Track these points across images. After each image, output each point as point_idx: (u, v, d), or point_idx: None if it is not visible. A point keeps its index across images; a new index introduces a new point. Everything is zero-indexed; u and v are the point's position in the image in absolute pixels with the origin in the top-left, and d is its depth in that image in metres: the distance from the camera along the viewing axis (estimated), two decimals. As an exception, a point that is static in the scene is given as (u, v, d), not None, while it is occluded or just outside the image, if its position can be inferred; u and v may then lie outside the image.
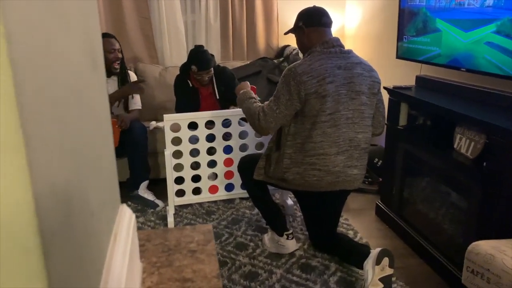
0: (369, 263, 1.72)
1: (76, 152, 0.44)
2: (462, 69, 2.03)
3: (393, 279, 1.80)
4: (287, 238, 2.04)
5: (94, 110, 0.54)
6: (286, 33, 2.04)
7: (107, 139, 0.61)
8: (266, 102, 1.84)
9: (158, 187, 2.73)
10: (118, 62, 2.60)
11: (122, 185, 2.96)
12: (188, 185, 2.40)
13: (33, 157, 0.34)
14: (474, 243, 1.46)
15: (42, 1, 0.39)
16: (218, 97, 2.73)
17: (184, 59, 3.34)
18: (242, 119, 2.38)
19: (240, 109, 2.34)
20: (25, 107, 0.33)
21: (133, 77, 2.77)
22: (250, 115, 1.88)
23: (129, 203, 2.65)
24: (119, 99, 2.59)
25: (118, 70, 2.62)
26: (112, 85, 2.66)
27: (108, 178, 0.60)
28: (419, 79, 2.40)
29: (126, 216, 0.65)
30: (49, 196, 0.36)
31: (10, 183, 0.31)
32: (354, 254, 1.85)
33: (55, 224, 0.36)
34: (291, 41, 2.62)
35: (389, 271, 1.69)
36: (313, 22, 1.84)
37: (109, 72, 2.62)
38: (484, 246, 1.42)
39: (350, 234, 2.28)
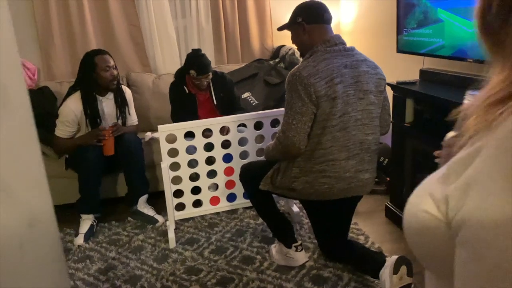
0: (385, 272, 1.62)
1: None
2: (468, 60, 1.93)
3: (412, 287, 1.69)
4: (296, 250, 1.93)
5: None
6: (280, 29, 1.85)
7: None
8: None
9: (159, 200, 2.61)
10: (115, 80, 2.47)
11: (120, 200, 2.79)
12: (188, 198, 2.29)
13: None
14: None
15: None
16: (216, 103, 2.62)
17: (177, 65, 3.24)
18: (240, 125, 2.28)
19: (238, 115, 2.25)
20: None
21: (127, 92, 2.65)
22: (275, 150, 1.74)
23: (129, 218, 2.54)
24: (79, 145, 2.40)
25: (114, 86, 2.50)
26: (109, 104, 2.53)
27: None
28: (423, 72, 2.29)
29: None
30: None
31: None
32: (369, 262, 1.74)
33: None
34: (287, 40, 2.51)
35: (408, 280, 1.59)
36: (314, 18, 1.71)
37: (105, 90, 2.49)
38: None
39: (361, 239, 2.18)
